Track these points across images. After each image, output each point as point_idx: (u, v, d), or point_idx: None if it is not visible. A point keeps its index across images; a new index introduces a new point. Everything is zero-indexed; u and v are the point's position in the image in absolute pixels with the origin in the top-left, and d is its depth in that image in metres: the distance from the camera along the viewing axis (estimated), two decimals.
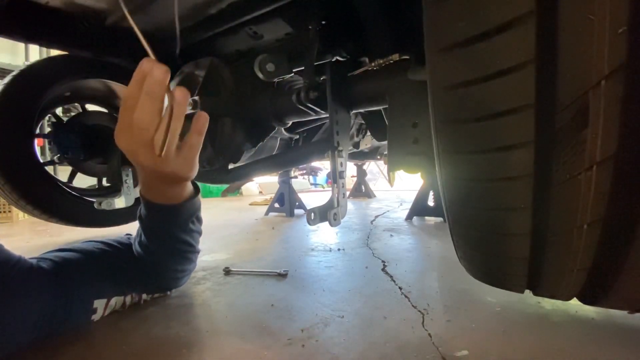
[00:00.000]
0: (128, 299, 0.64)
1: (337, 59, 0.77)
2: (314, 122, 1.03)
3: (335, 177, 0.73)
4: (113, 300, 0.61)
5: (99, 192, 1.44)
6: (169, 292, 0.75)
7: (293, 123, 0.97)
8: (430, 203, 1.86)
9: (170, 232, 0.61)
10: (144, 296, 0.69)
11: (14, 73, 1.12)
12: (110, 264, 0.62)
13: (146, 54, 0.41)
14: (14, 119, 1.08)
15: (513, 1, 0.32)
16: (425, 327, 0.60)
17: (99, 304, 0.58)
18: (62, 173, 1.44)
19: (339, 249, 1.20)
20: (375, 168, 4.81)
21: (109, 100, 1.39)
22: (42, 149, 2.72)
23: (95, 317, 0.59)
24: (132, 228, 1.57)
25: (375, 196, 3.22)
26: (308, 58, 0.74)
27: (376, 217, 1.98)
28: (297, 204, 2.19)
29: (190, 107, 0.85)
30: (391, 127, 0.69)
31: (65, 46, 0.93)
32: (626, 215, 0.38)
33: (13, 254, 0.50)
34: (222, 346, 0.55)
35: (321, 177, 4.96)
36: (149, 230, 0.62)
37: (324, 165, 4.14)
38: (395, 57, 0.66)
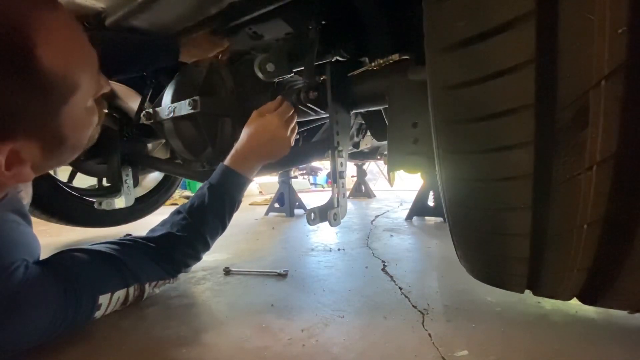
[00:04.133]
0: (131, 290, 0.63)
1: (337, 59, 0.77)
2: (314, 122, 1.03)
3: (335, 177, 0.73)
4: (116, 295, 0.60)
5: (99, 192, 1.44)
6: (172, 280, 0.74)
7: None
8: (430, 203, 1.85)
9: (233, 196, 0.75)
10: (147, 288, 0.67)
11: None
12: (115, 257, 0.62)
13: None
14: None
15: (513, 1, 0.32)
16: (425, 327, 0.60)
17: (103, 299, 0.58)
18: (62, 173, 1.44)
19: (339, 249, 1.20)
20: (375, 168, 4.80)
21: (109, 100, 1.39)
22: None
23: (99, 313, 0.58)
24: (132, 228, 1.57)
25: (375, 196, 3.21)
26: (308, 58, 0.74)
27: (376, 217, 1.98)
28: (297, 204, 2.19)
29: (191, 107, 0.85)
30: (391, 127, 0.69)
31: None
32: (626, 215, 0.38)
33: (21, 266, 0.50)
34: (222, 346, 0.55)
35: (321, 177, 4.95)
36: (217, 195, 0.73)
37: (324, 165, 4.13)
38: (395, 57, 0.66)
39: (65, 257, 0.58)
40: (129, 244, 0.66)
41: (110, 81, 1.33)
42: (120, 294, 0.61)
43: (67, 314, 0.52)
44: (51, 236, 1.60)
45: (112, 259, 0.61)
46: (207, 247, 0.75)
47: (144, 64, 0.92)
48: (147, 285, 0.66)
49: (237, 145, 0.76)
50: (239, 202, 0.78)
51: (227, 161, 0.76)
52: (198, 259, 0.75)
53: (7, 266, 0.48)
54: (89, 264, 0.58)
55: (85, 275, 0.56)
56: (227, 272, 0.93)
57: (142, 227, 1.52)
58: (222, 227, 0.76)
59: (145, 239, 0.69)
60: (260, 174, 0.90)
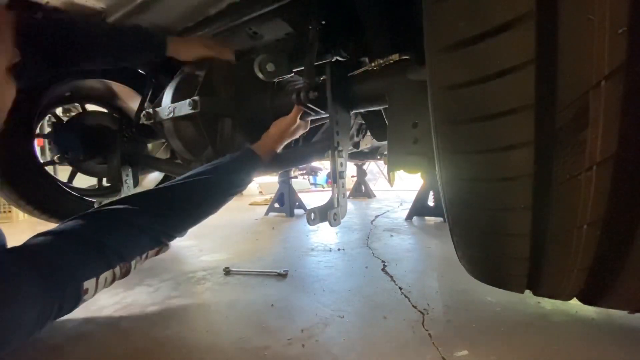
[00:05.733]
0: (117, 270, 0.59)
1: (337, 59, 0.77)
2: (314, 122, 1.03)
3: (335, 177, 0.73)
4: (102, 277, 0.56)
5: (99, 192, 1.44)
6: (163, 249, 0.68)
7: None
8: (430, 203, 1.85)
9: (251, 175, 0.80)
10: (133, 263, 0.62)
11: None
12: (94, 239, 0.58)
13: None
14: (14, 119, 1.07)
15: (513, 1, 0.32)
16: (425, 327, 0.60)
17: (89, 284, 0.54)
18: (62, 173, 1.44)
19: (339, 249, 1.20)
20: (375, 168, 4.80)
21: (109, 100, 1.39)
22: (42, 149, 2.71)
23: (87, 297, 0.54)
24: None
25: (375, 196, 3.22)
26: (308, 58, 0.74)
27: (376, 217, 1.98)
28: (297, 204, 2.19)
29: (191, 107, 0.85)
30: (391, 127, 0.69)
31: None
32: (626, 215, 0.38)
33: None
34: (222, 346, 0.55)
35: (321, 177, 4.95)
36: (238, 170, 0.78)
37: (324, 165, 4.13)
38: (395, 57, 0.66)
39: (41, 245, 0.54)
40: (110, 217, 0.62)
41: (110, 81, 1.33)
42: (106, 274, 0.57)
43: (53, 307, 0.49)
44: None
45: (92, 241, 0.57)
46: (210, 213, 0.73)
47: (118, 55, 0.87)
48: (132, 262, 0.61)
49: (263, 136, 0.86)
50: (250, 181, 0.83)
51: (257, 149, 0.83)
52: (198, 222, 0.71)
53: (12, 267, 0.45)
54: (67, 251, 0.54)
55: (66, 264, 0.52)
56: (227, 272, 0.93)
57: None
58: (232, 196, 0.78)
59: (140, 199, 0.66)
60: (260, 174, 0.90)
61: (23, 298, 0.47)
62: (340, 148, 0.74)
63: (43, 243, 0.54)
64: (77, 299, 0.54)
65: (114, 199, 1.08)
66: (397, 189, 3.79)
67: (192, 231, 0.71)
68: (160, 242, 0.66)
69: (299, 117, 0.84)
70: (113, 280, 0.60)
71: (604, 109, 0.33)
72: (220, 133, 0.91)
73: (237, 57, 0.95)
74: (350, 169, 3.37)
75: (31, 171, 1.16)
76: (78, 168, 1.32)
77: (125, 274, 0.61)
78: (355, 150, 1.33)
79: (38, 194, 1.19)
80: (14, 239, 0.58)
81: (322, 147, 0.84)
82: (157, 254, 0.67)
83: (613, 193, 0.37)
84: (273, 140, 0.85)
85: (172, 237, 0.68)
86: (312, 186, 4.93)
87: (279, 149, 0.88)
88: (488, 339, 0.56)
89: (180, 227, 0.69)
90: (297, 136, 0.90)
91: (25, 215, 1.29)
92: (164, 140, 1.11)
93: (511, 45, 0.34)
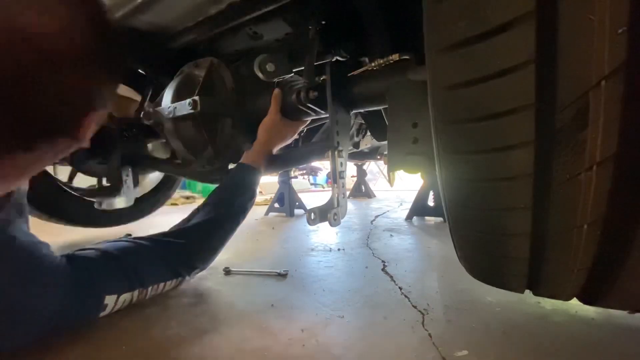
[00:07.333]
0: (136, 293, 0.65)
1: (337, 59, 0.77)
2: (314, 122, 1.03)
3: (335, 177, 0.73)
4: (122, 297, 0.62)
5: (99, 192, 1.43)
6: (181, 281, 0.75)
7: None
8: (430, 203, 1.85)
9: (253, 187, 0.85)
10: (150, 290, 0.68)
11: None
12: (126, 260, 0.63)
13: None
14: None
15: (513, 1, 0.32)
16: (425, 327, 0.60)
17: (109, 300, 0.60)
18: (62, 173, 1.44)
19: (339, 249, 1.20)
20: (375, 168, 4.80)
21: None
22: None
23: (104, 313, 0.59)
24: (132, 228, 1.56)
25: (375, 196, 3.21)
26: (308, 58, 0.74)
27: (376, 217, 1.98)
28: (297, 204, 2.18)
29: (191, 107, 0.85)
30: (391, 127, 0.69)
31: None
32: (626, 215, 0.38)
33: (43, 251, 0.53)
34: (222, 346, 0.55)
35: (321, 177, 4.95)
36: (238, 186, 0.83)
37: (324, 165, 4.13)
38: (395, 57, 0.66)
39: (80, 254, 0.61)
40: (143, 245, 0.68)
41: None
42: (126, 296, 0.63)
43: (73, 304, 0.54)
44: (51, 235, 1.59)
45: (123, 262, 0.63)
46: (225, 239, 0.80)
47: None
48: (149, 288, 0.68)
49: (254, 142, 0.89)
50: (255, 192, 0.86)
51: (242, 159, 0.87)
52: (218, 252, 0.80)
53: (54, 258, 0.54)
54: (100, 264, 0.60)
55: (95, 274, 0.59)
56: (227, 272, 0.93)
57: (142, 227, 1.51)
58: (244, 213, 0.83)
59: (167, 235, 0.72)
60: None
61: (50, 283, 0.52)
62: (340, 148, 0.74)
63: (82, 252, 0.62)
64: (95, 309, 0.59)
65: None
66: (397, 189, 3.79)
67: None
68: (179, 274, 0.73)
69: (279, 111, 0.84)
70: (130, 303, 0.65)
71: (604, 109, 0.33)
72: (220, 133, 0.91)
73: (237, 57, 0.95)
74: (350, 169, 3.37)
75: None
76: (78, 168, 1.32)
77: (140, 300, 0.67)
78: (355, 150, 1.33)
79: (38, 194, 1.19)
80: None
81: (322, 147, 0.85)
82: (176, 287, 0.75)
83: (613, 193, 0.37)
84: (262, 144, 0.87)
85: (194, 269, 0.76)
86: (312, 186, 4.93)
87: (275, 150, 0.88)
88: (488, 339, 0.56)
89: (204, 258, 0.78)
90: (289, 141, 0.91)
91: None
92: (164, 140, 1.11)
93: (511, 45, 0.34)
